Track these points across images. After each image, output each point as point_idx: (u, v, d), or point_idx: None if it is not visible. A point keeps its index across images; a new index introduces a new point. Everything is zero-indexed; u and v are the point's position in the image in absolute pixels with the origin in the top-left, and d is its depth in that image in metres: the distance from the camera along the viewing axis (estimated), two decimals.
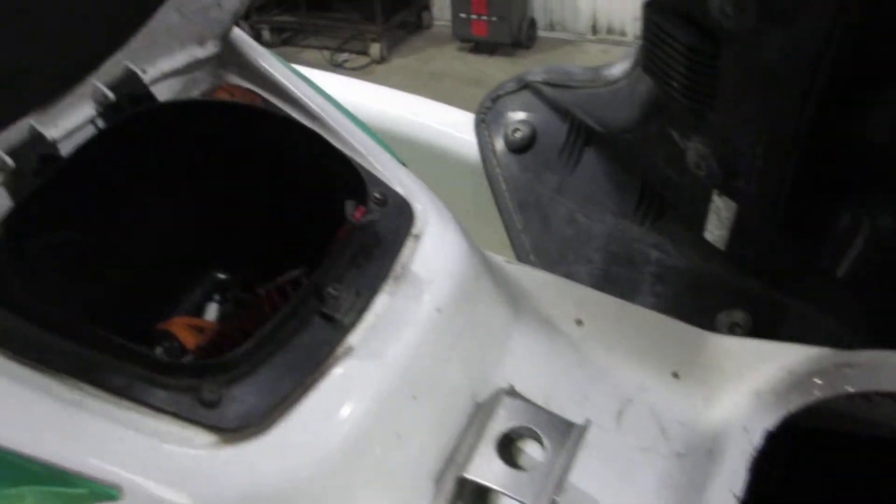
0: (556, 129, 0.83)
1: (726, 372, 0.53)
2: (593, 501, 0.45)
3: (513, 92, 0.89)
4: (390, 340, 0.41)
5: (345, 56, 3.68)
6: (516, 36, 3.56)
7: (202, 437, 0.36)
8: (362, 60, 3.61)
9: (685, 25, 0.56)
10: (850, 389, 0.49)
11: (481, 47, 3.67)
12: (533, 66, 1.10)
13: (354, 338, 0.42)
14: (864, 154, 0.56)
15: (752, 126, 0.57)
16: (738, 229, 0.66)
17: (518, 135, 0.85)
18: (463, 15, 3.63)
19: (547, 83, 0.85)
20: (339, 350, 0.42)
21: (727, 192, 0.63)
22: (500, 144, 0.89)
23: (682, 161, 0.66)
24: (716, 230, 0.68)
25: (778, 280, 0.65)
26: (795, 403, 0.48)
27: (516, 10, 3.57)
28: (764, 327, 0.66)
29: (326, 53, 3.68)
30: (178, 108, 0.55)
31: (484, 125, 0.91)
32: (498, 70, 3.34)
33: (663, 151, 0.68)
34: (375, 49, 3.58)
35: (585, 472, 0.45)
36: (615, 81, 0.76)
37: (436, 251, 0.46)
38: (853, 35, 0.48)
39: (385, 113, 0.95)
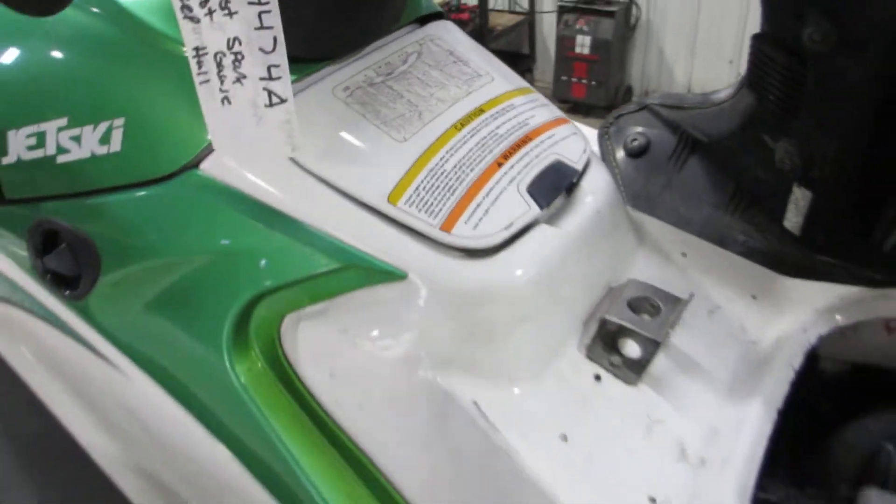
0: (668, 140, 1.04)
1: (795, 299, 0.71)
2: (689, 357, 0.63)
3: (633, 112, 1.10)
4: (572, 217, 0.62)
5: None
6: (612, 100, 3.81)
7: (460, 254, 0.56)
8: None
9: (782, 50, 0.76)
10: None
11: (578, 108, 3.94)
12: None
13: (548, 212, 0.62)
14: None
15: (829, 129, 0.76)
16: (811, 216, 0.84)
17: (635, 143, 1.06)
18: (564, 78, 3.92)
19: (663, 105, 1.06)
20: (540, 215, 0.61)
21: (805, 182, 0.82)
22: (619, 152, 1.09)
23: (771, 160, 0.85)
24: (793, 218, 0.86)
25: (843, 256, 0.83)
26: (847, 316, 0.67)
27: (614, 77, 3.83)
28: None
29: None
30: None
31: (606, 136, 1.12)
32: (592, 127, 3.57)
33: (756, 153, 0.88)
34: None
35: (683, 337, 0.64)
36: (721, 103, 0.97)
37: (600, 174, 0.67)
38: None
39: None
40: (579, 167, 0.64)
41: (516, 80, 0.70)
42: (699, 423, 0.58)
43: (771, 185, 0.89)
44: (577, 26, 3.96)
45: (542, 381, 0.56)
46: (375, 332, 0.56)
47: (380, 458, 0.58)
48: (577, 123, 0.74)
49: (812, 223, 0.87)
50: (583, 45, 3.90)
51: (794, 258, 0.94)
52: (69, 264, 0.64)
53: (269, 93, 0.43)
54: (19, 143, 0.63)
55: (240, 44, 0.41)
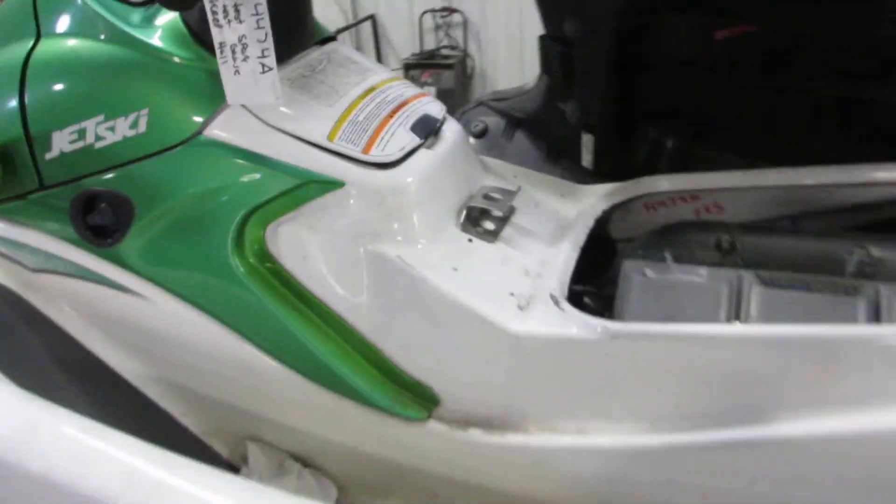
0: (499, 122, 1.44)
1: (587, 193, 1.11)
2: (524, 227, 1.00)
3: (473, 108, 1.51)
4: (439, 147, 0.97)
5: None
6: None
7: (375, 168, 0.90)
8: None
9: (557, 42, 1.19)
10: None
11: None
12: None
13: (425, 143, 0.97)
14: (654, 102, 1.17)
15: (592, 90, 1.18)
16: (596, 153, 1.26)
17: (477, 128, 1.46)
18: None
19: (492, 99, 1.47)
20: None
21: (587, 129, 1.23)
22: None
23: (566, 120, 1.27)
24: (586, 156, 1.28)
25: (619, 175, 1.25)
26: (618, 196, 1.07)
27: None
28: None
29: None
30: None
31: None
32: None
33: (556, 118, 1.29)
34: None
35: (520, 217, 1.01)
36: (529, 90, 1.39)
37: (454, 124, 1.04)
38: (623, 40, 1.11)
39: None
40: (440, 118, 1.01)
41: (391, 73, 1.07)
42: (534, 257, 0.95)
43: (569, 139, 1.31)
44: (423, 79, 4.47)
45: (436, 242, 0.91)
46: (329, 223, 0.88)
47: (343, 310, 0.90)
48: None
49: (598, 157, 1.28)
50: (430, 94, 4.39)
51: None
52: (109, 217, 0.91)
53: (263, 65, 0.76)
54: (63, 140, 0.90)
55: (245, 38, 0.74)
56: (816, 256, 0.87)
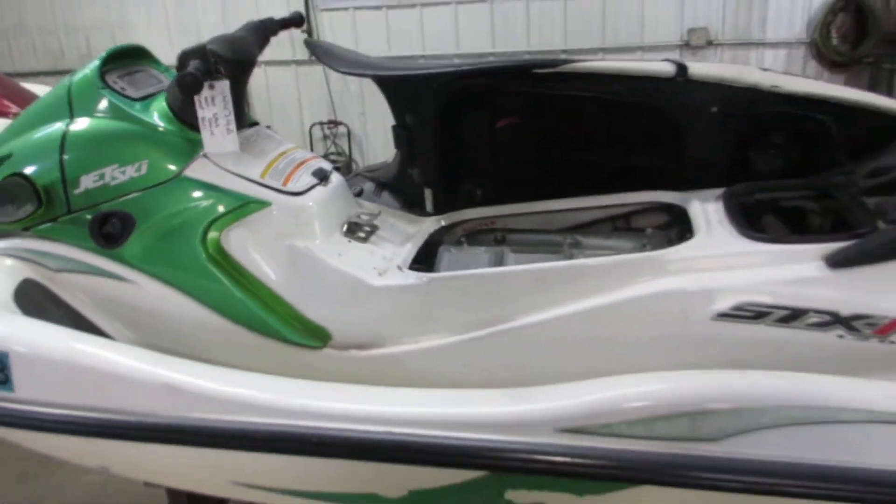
0: (371, 186, 2.06)
1: (424, 221, 1.74)
2: (385, 236, 1.61)
3: (352, 177, 2.13)
4: (329, 186, 1.57)
5: None
6: None
7: (289, 195, 1.49)
8: None
9: (402, 129, 1.83)
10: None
11: None
12: None
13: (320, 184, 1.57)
14: (467, 167, 1.84)
15: (426, 161, 1.83)
16: (435, 201, 1.89)
17: (356, 190, 2.07)
18: None
19: (366, 171, 2.10)
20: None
21: (428, 186, 1.87)
22: None
23: (413, 180, 1.90)
24: (429, 204, 1.90)
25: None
26: (447, 219, 1.71)
27: None
28: None
29: None
30: None
31: None
32: None
33: (408, 180, 1.92)
34: None
35: (382, 232, 1.61)
36: (391, 162, 2.03)
37: (338, 175, 1.64)
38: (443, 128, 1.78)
39: None
40: (330, 170, 1.62)
41: (294, 144, 1.67)
42: (389, 252, 1.54)
43: (417, 194, 1.93)
44: None
45: (328, 241, 1.48)
46: (261, 228, 1.44)
47: (268, 281, 1.45)
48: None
49: (436, 204, 1.91)
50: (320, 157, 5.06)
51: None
52: (118, 228, 1.42)
53: (228, 129, 1.33)
54: (88, 180, 1.42)
55: (217, 114, 1.32)
56: (547, 241, 1.53)
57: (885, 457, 0.96)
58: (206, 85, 1.29)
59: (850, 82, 3.93)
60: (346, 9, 4.57)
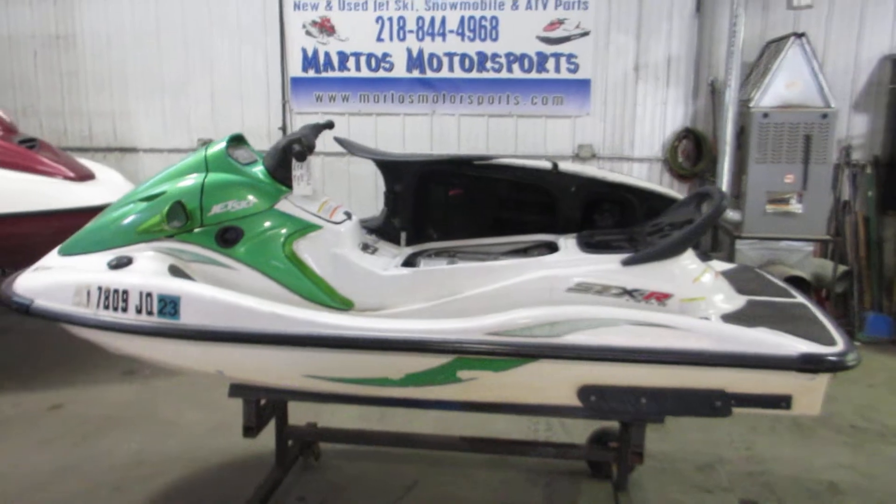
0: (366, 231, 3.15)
1: (402, 250, 2.85)
2: (380, 257, 2.70)
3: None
4: (352, 221, 2.66)
5: None
6: None
7: (333, 224, 2.57)
8: None
9: (391, 193, 2.96)
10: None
11: None
12: None
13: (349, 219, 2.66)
14: (433, 218, 2.96)
15: (405, 214, 2.94)
16: (408, 239, 2.99)
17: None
18: None
19: (361, 221, 3.20)
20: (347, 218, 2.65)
21: (404, 230, 2.97)
22: None
23: (394, 225, 2.99)
24: (403, 242, 3.00)
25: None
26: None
27: None
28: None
29: None
30: None
31: None
32: None
33: (391, 226, 3.01)
34: None
35: (381, 253, 2.72)
36: (379, 215, 3.14)
37: (355, 216, 2.73)
38: (420, 194, 2.91)
39: None
40: (351, 214, 2.71)
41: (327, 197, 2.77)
42: (387, 260, 2.63)
43: (396, 234, 3.02)
44: None
45: (351, 251, 2.56)
46: (316, 242, 2.50)
47: (319, 272, 2.50)
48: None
49: (409, 241, 3.00)
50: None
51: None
52: (233, 235, 2.43)
53: (308, 183, 2.41)
54: (217, 208, 2.43)
55: (303, 174, 2.40)
56: (481, 253, 2.69)
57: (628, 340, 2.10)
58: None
59: (691, 189, 5.38)
60: (316, 113, 5.75)
